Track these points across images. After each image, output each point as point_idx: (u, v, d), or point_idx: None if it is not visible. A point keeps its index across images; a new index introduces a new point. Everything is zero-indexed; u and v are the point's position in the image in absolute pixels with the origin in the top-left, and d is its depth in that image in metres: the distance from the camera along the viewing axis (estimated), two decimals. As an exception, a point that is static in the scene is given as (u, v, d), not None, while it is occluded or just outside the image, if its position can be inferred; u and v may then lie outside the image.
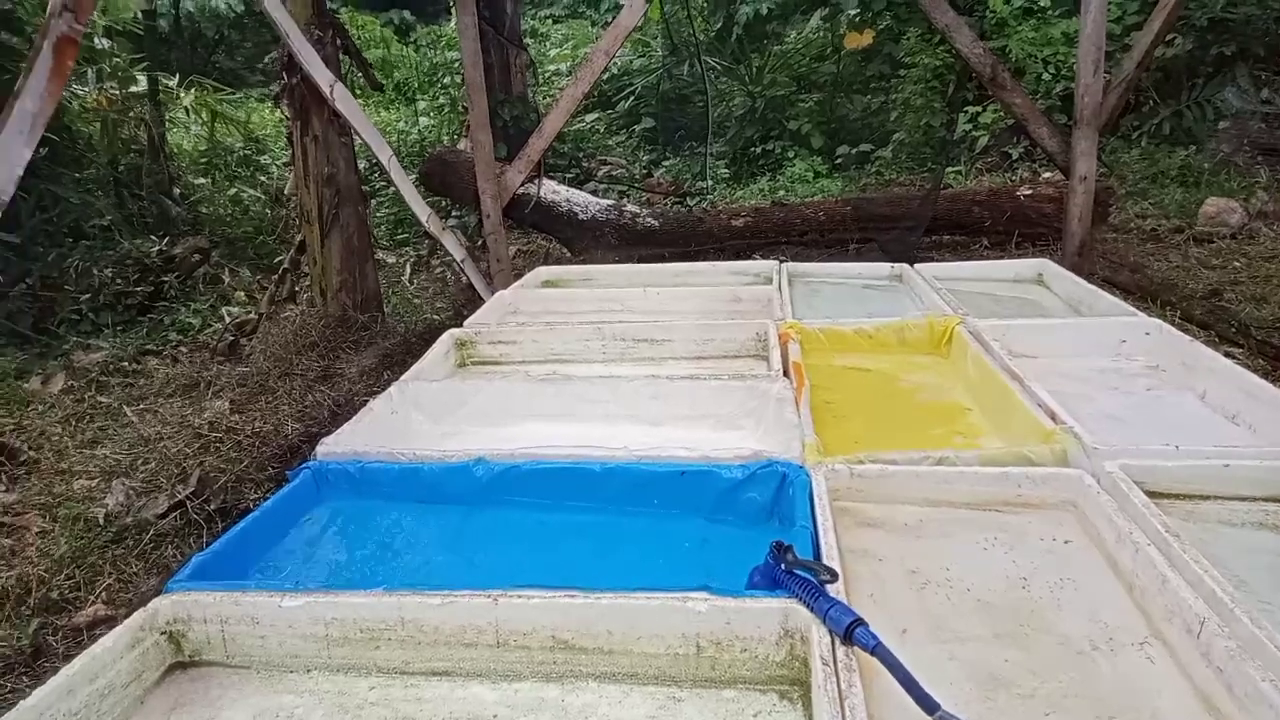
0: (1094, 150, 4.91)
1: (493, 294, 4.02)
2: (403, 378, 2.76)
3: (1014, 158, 8.45)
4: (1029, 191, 6.18)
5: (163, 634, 1.57)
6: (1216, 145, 7.94)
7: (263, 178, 8.59)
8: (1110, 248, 5.93)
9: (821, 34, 10.77)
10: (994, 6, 8.85)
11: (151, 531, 3.17)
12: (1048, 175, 7.41)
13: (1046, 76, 8.33)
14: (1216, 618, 1.36)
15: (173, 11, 7.90)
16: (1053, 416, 2.10)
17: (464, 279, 5.45)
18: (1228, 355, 3.47)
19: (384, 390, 2.66)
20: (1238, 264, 5.49)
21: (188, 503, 3.29)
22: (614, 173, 9.37)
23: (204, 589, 1.62)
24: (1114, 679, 1.38)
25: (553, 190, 6.73)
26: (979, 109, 8.70)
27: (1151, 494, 1.78)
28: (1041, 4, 8.68)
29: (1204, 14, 7.95)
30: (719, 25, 11.69)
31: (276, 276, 5.17)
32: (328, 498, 2.18)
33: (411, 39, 15.75)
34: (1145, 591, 1.54)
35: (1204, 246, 5.94)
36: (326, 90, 4.14)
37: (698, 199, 8.52)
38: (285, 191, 6.44)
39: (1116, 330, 2.90)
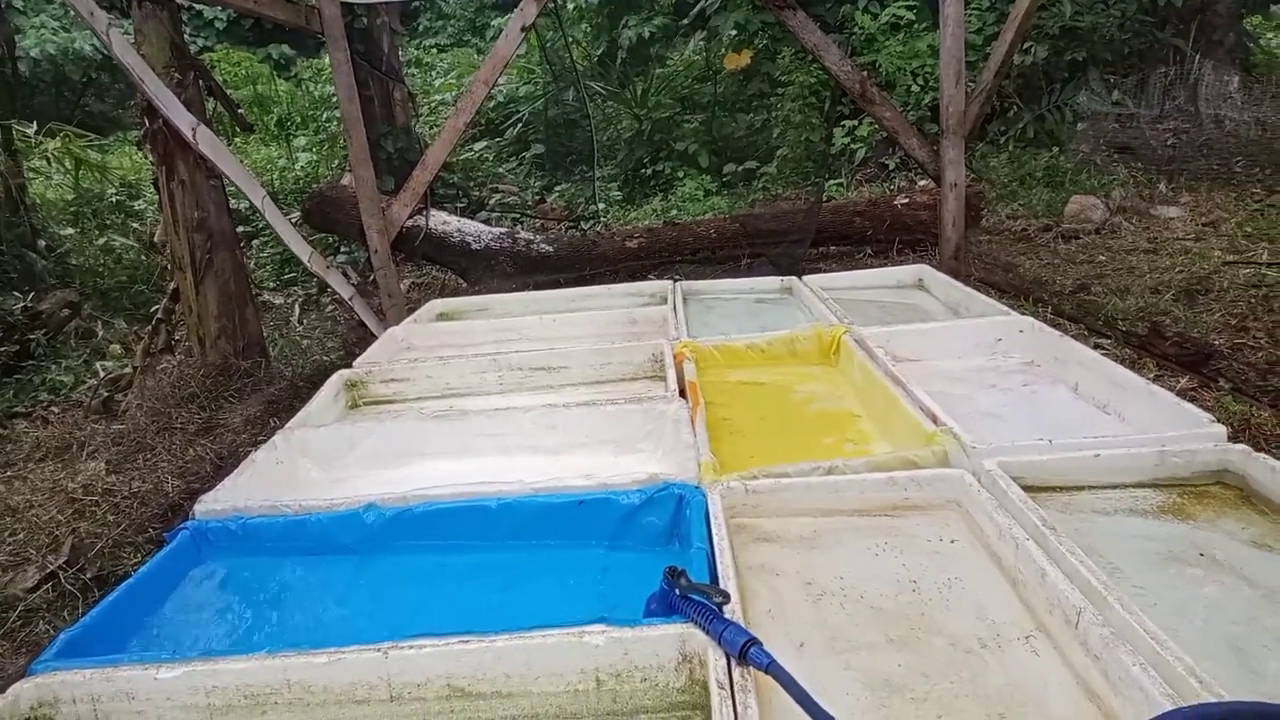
0: (961, 158, 5.14)
1: (385, 330, 3.92)
2: (288, 425, 2.66)
3: (891, 168, 8.79)
4: (906, 200, 6.44)
5: (26, 720, 1.45)
6: (1076, 146, 8.45)
7: (135, 224, 8.19)
8: (984, 249, 6.22)
9: (702, 56, 11.00)
10: (862, 23, 9.22)
11: (20, 607, 2.95)
12: (923, 184, 7.73)
13: (916, 88, 8.71)
14: (1092, 607, 1.42)
15: (9, 58, 7.46)
16: (934, 418, 2.17)
17: (355, 317, 5.31)
18: (1097, 347, 3.68)
19: (269, 439, 2.56)
20: (1102, 258, 5.83)
21: (60, 573, 3.07)
22: (506, 200, 9.31)
23: (72, 667, 1.52)
24: (1002, 675, 1.43)
25: (443, 221, 6.64)
26: (855, 123, 9.02)
27: (1029, 488, 1.85)
28: (908, 19, 9.09)
29: (1055, 23, 8.48)
30: (602, 50, 11.81)
31: (150, 327, 4.92)
32: (209, 558, 2.08)
33: (292, 73, 15.37)
34: (1027, 585, 1.60)
35: (1071, 243, 6.29)
36: (189, 134, 3.97)
37: (591, 222, 8.55)
38: (156, 238, 6.16)
39: (992, 330, 3.03)
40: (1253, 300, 4.52)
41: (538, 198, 9.77)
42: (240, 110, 5.26)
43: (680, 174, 9.47)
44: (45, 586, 3.07)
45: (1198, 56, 8.56)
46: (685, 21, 11.40)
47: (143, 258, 7.35)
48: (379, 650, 1.45)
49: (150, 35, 4.16)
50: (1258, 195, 6.84)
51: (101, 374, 5.20)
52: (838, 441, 2.45)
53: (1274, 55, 9.99)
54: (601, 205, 8.99)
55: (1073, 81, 8.76)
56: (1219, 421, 2.02)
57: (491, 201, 9.08)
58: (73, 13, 3.52)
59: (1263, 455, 1.88)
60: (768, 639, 1.37)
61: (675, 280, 4.14)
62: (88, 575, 3.08)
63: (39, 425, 4.84)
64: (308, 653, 1.47)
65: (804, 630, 1.57)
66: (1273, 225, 6.01)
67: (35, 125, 8.59)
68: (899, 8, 9.13)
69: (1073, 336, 2.89)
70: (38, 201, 7.58)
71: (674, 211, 8.67)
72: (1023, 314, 3.13)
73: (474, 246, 6.47)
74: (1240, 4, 8.81)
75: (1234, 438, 2.04)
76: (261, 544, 2.05)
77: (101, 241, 7.58)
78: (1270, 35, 10.73)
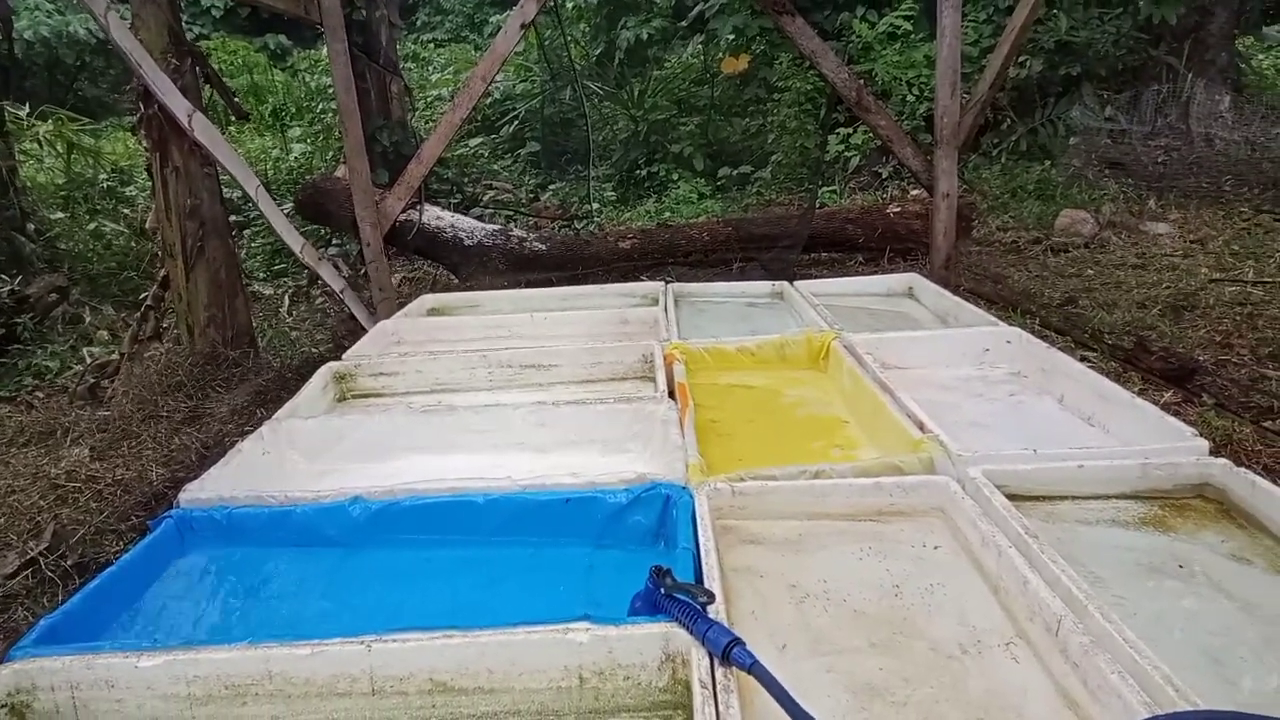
0: (954, 168, 5.17)
1: (375, 324, 3.91)
2: (276, 415, 2.65)
3: (884, 176, 8.82)
4: (898, 209, 6.47)
5: (1, 707, 1.44)
6: (1068, 160, 8.52)
7: (126, 210, 8.13)
8: (974, 260, 6.26)
9: (700, 59, 11.02)
10: (859, 31, 9.26)
11: (-1, 593, 2.93)
12: (915, 193, 7.77)
13: (911, 98, 8.75)
14: (1072, 615, 1.43)
15: (6, 42, 7.40)
16: (920, 426, 2.19)
17: (345, 309, 5.29)
18: (1083, 359, 3.71)
19: (256, 430, 2.55)
20: (1091, 272, 5.87)
21: (41, 559, 3.05)
22: (500, 197, 9.29)
23: (52, 654, 1.51)
24: (982, 681, 1.44)
25: (437, 216, 6.62)
26: (850, 130, 9.06)
27: (1013, 497, 1.87)
28: (905, 28, 9.14)
29: (1051, 37, 8.55)
30: (600, 50, 11.82)
31: (139, 314, 4.88)
32: (193, 547, 2.07)
33: (288, 63, 15.31)
34: (1009, 593, 1.61)
35: (1060, 256, 6.33)
36: (185, 121, 3.95)
37: (585, 222, 8.55)
38: (148, 224, 6.13)
39: (980, 340, 3.05)
40: (1238, 317, 4.57)
41: (532, 196, 9.77)
42: (236, 99, 5.22)
43: (675, 176, 9.48)
44: (25, 572, 3.04)
45: (1190, 75, 8.65)
46: (684, 24, 11.44)
47: (133, 244, 7.30)
48: (362, 643, 1.45)
49: (148, 20, 4.13)
50: (1245, 214, 6.91)
51: (88, 360, 5.16)
52: (825, 446, 2.46)
53: (1265, 76, 10.10)
54: (595, 205, 8.99)
55: (1066, 96, 8.83)
56: (1201, 436, 2.05)
57: (486, 198, 9.06)
58: (69, -4, 3.51)
59: (1243, 470, 1.91)
60: (751, 640, 1.37)
61: (667, 282, 4.15)
62: (69, 562, 3.05)
63: (23, 410, 4.79)
64: (290, 644, 1.47)
65: (787, 632, 1.58)
66: (1259, 244, 6.08)
67: (28, 108, 8.54)
68: (896, 17, 9.18)
69: (1060, 348, 2.91)
70: (28, 185, 7.52)
71: (667, 214, 8.68)
72: (1011, 325, 3.15)
73: (467, 242, 6.46)
74: (1233, 25, 8.89)
75: (1216, 452, 2.06)
76: (246, 534, 2.05)
77: (92, 227, 7.53)
78: (1262, 56, 10.84)
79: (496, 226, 6.91)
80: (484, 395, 3.06)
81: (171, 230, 4.40)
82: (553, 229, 8.32)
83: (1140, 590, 1.65)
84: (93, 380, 4.80)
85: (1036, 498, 1.98)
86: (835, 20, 9.69)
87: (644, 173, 9.82)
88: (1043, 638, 1.47)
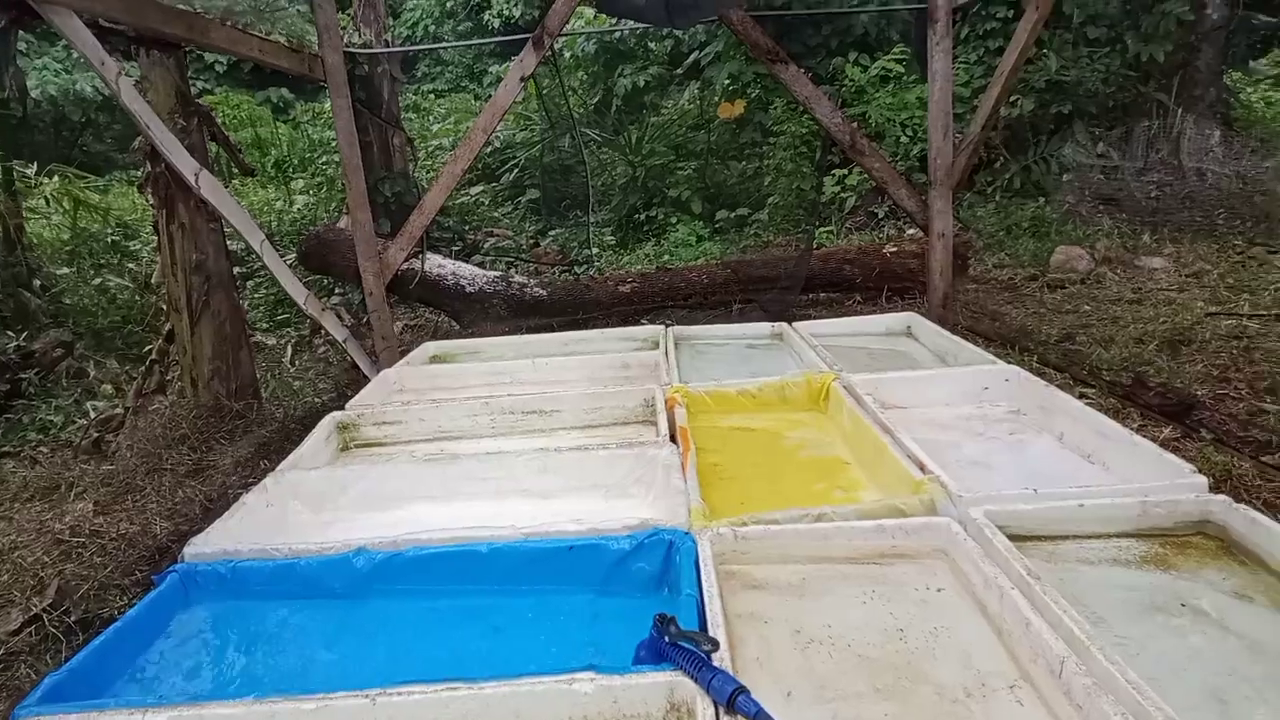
0: (949, 208, 5.24)
1: (378, 373, 3.94)
2: (279, 467, 2.67)
3: (880, 216, 8.92)
4: (895, 249, 6.54)
5: (7, 770, 1.45)
6: (1062, 197, 8.61)
7: (131, 265, 8.23)
8: (972, 298, 6.31)
9: (696, 105, 11.21)
10: (852, 75, 9.43)
11: (2, 651, 2.91)
12: (911, 232, 7.85)
13: (905, 139, 8.88)
14: (1075, 656, 1.43)
15: (19, 100, 7.57)
16: (921, 467, 2.20)
17: (348, 358, 5.33)
18: (1081, 396, 3.73)
19: (259, 482, 2.57)
20: (1087, 308, 5.91)
21: (44, 616, 3.04)
22: (501, 244, 9.39)
23: (56, 712, 1.52)
24: (986, 723, 1.43)
25: (439, 264, 6.69)
26: (845, 171, 9.18)
27: (1014, 537, 1.88)
28: (897, 71, 9.31)
29: (1041, 76, 8.70)
30: (598, 98, 12.03)
31: (143, 368, 4.92)
32: (197, 601, 2.07)
33: (290, 116, 15.58)
34: (1012, 635, 1.61)
35: (1056, 292, 6.38)
36: (191, 179, 4.02)
37: (584, 267, 8.63)
38: (153, 279, 6.20)
39: (979, 378, 3.07)
40: (1234, 351, 4.59)
41: (532, 242, 9.87)
42: (241, 153, 5.32)
43: (673, 220, 9.59)
44: (29, 629, 3.03)
45: (1180, 111, 8.77)
46: (679, 71, 11.65)
47: (137, 298, 7.36)
48: (366, 697, 1.46)
49: (157, 82, 4.24)
50: (1239, 247, 6.97)
51: (92, 414, 5.19)
52: (827, 488, 2.47)
53: (1254, 110, 10.25)
54: (595, 250, 9.09)
55: (1059, 134, 8.96)
56: (1201, 472, 2.05)
57: (487, 245, 9.16)
58: (79, 57, 3.58)
59: (1243, 506, 1.91)
60: (756, 687, 1.38)
61: (667, 325, 4.19)
62: (73, 618, 3.05)
63: (27, 465, 4.80)
64: (295, 698, 1.47)
65: (792, 679, 1.58)
66: (1254, 277, 6.12)
67: (35, 165, 8.68)
68: (889, 61, 9.35)
69: (1058, 386, 2.93)
70: (34, 241, 7.62)
71: (666, 257, 8.77)
72: (1009, 363, 3.17)
73: (468, 289, 6.52)
74: (1221, 60, 9.05)
75: (1215, 488, 2.07)
76: (250, 587, 2.05)
77: (97, 281, 7.60)
78: (1250, 90, 11.01)
79: (497, 273, 6.98)
80: (487, 442, 3.08)
81: (177, 285, 4.46)
82: (553, 274, 8.40)
83: (1143, 630, 1.66)
84: (97, 434, 4.82)
85: (1038, 538, 1.98)
86: (829, 65, 9.87)
87: (643, 217, 9.93)
88: (1046, 680, 1.47)
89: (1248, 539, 1.87)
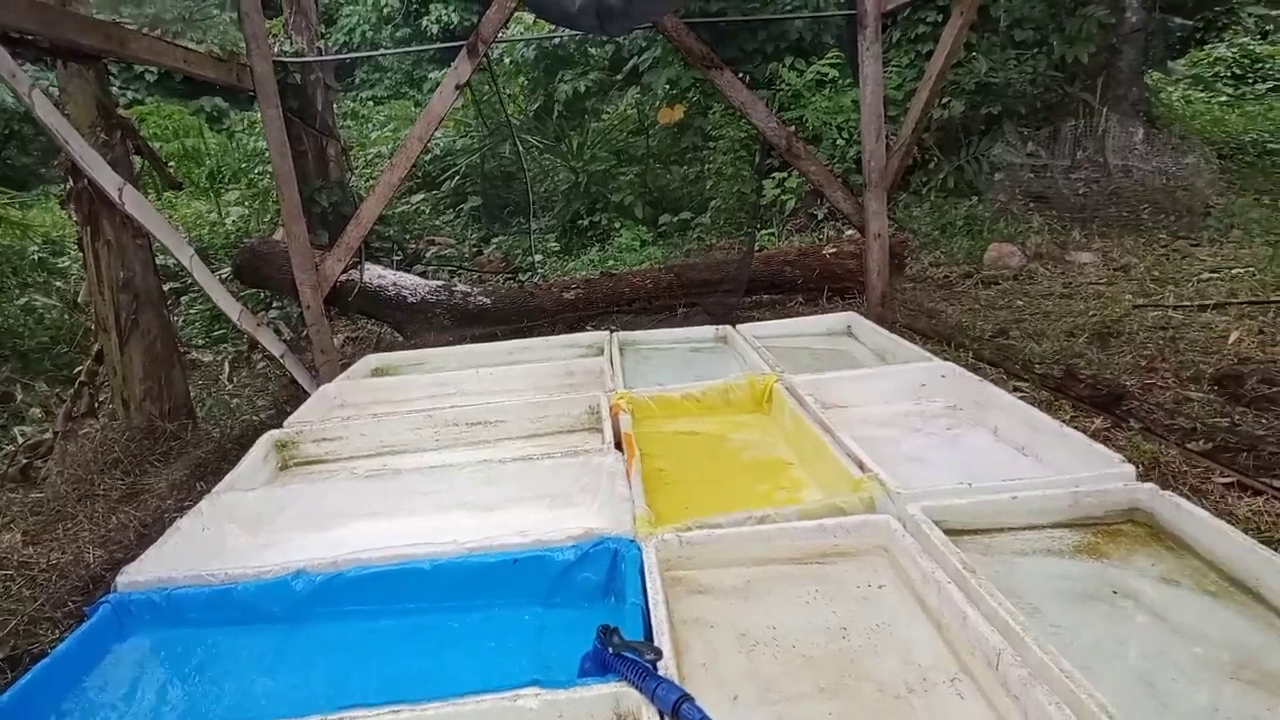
0: (884, 209, 5.34)
1: (317, 388, 3.86)
2: (215, 489, 2.59)
3: (819, 218, 9.05)
4: (834, 250, 6.63)
5: (-74, 819, 1.38)
6: (994, 195, 8.84)
7: (59, 283, 7.95)
8: (909, 296, 6.43)
9: (636, 110, 11.24)
10: (788, 80, 9.55)
11: (-75, 693, 2.79)
12: (850, 233, 7.97)
13: (841, 142, 9.03)
14: (1011, 648, 1.46)
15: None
16: (861, 465, 2.23)
17: (287, 374, 5.22)
18: (1015, 390, 3.83)
19: (195, 505, 2.49)
20: (1020, 303, 6.07)
21: (-31, 654, 2.92)
22: (443, 252, 9.29)
23: (-20, 758, 1.45)
24: None
25: (379, 275, 6.60)
26: (785, 175, 9.30)
27: (951, 531, 1.91)
28: (832, 75, 9.46)
29: (970, 79, 8.93)
30: (539, 104, 11.99)
31: (73, 390, 4.76)
32: (132, 632, 2.00)
33: (225, 125, 15.22)
34: (950, 628, 1.64)
35: (990, 289, 6.54)
36: (115, 195, 3.89)
37: (528, 274, 8.59)
38: (80, 298, 6.00)
39: (917, 375, 3.13)
40: (1160, 341, 4.75)
41: (475, 250, 9.79)
42: (170, 166, 5.18)
43: (617, 225, 9.60)
44: (-48, 668, 2.91)
45: (1105, 110, 9.07)
46: (619, 77, 11.68)
47: (65, 318, 7.13)
48: (306, 724, 1.42)
49: (76, 95, 4.10)
50: (1164, 240, 7.23)
51: (20, 440, 5.00)
52: (770, 489, 2.49)
53: (1173, 108, 10.65)
54: (538, 257, 9.05)
55: (989, 134, 9.19)
56: (1130, 461, 2.12)
57: (428, 254, 9.06)
58: (-8, 71, 3.45)
59: (1169, 493, 1.97)
60: (701, 693, 1.38)
61: (612, 331, 4.18)
62: (1, 655, 2.93)
63: (-51, 495, 4.62)
64: (232, 729, 1.43)
65: (737, 682, 1.59)
66: (1178, 269, 6.35)
67: (-50, 182, 8.35)
68: (824, 65, 9.50)
69: (993, 380, 2.99)
70: (-49, 261, 7.33)
71: (611, 262, 8.77)
72: (945, 359, 3.24)
73: (410, 300, 6.44)
74: (1141, 61, 9.37)
75: (1144, 476, 2.13)
76: (186, 615, 1.99)
77: (22, 301, 7.34)
78: (1171, 89, 11.44)
79: (440, 282, 6.91)
80: (430, 455, 3.03)
81: (104, 304, 4.32)
82: (497, 282, 8.34)
83: (1076, 618, 1.70)
84: (25, 461, 4.64)
85: (974, 531, 2.02)
86: (765, 70, 9.99)
87: (586, 222, 9.93)
88: (985, 672, 1.50)
89: (1174, 524, 1.93)
